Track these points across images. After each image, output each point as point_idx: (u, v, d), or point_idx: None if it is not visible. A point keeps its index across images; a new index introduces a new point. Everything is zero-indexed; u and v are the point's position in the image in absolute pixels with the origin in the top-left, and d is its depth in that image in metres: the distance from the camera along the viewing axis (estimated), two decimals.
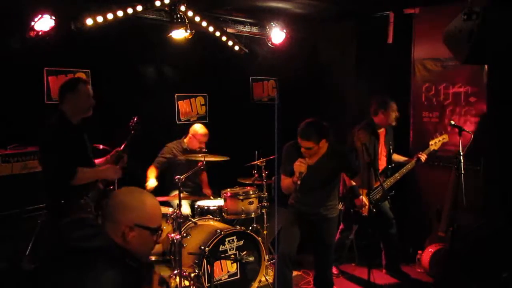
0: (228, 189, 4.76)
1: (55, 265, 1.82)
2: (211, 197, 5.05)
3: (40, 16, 3.95)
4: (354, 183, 4.40)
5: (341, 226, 4.69)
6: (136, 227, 1.87)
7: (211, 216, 4.59)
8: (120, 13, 4.34)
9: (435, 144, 4.65)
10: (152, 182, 4.78)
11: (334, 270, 4.60)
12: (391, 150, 4.71)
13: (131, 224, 1.86)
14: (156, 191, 4.70)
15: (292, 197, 3.94)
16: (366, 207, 4.39)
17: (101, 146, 4.04)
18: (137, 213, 1.89)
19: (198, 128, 5.05)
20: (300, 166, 3.54)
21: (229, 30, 5.48)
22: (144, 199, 1.95)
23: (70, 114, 3.24)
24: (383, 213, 4.66)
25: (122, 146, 3.58)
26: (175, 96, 5.71)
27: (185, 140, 5.12)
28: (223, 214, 4.59)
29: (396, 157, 4.79)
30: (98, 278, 1.72)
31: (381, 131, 4.67)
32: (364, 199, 4.41)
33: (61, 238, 1.88)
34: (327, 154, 3.71)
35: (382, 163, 4.68)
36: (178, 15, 4.76)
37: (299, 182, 3.52)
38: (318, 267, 4.01)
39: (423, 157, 4.59)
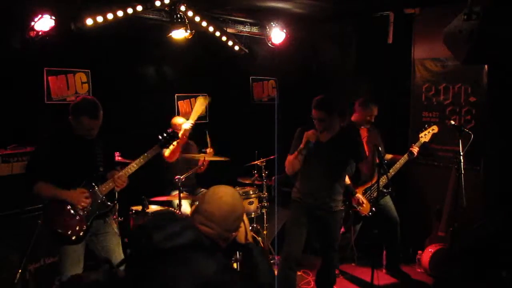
0: None
1: (148, 269, 1.78)
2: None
3: (40, 16, 3.95)
4: (349, 182, 4.40)
5: (342, 229, 4.69)
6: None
7: None
8: (120, 13, 4.34)
9: (425, 136, 4.67)
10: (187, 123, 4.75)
11: None
12: (380, 149, 4.68)
13: (238, 229, 2.02)
14: (156, 191, 4.70)
15: (296, 189, 3.89)
16: (364, 205, 4.39)
17: (117, 157, 3.95)
18: (242, 217, 2.07)
19: (176, 119, 5.00)
20: (312, 135, 3.57)
21: (229, 30, 5.48)
22: (241, 199, 2.09)
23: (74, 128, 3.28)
24: (387, 213, 4.65)
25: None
26: (175, 96, 5.71)
27: None
28: None
29: (387, 156, 4.80)
30: (196, 272, 1.72)
31: (363, 129, 4.66)
32: (360, 196, 4.41)
33: (142, 241, 1.81)
34: (338, 136, 3.71)
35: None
36: (178, 15, 4.76)
37: (303, 152, 3.55)
38: (322, 268, 3.97)
39: (415, 149, 4.59)
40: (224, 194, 2.00)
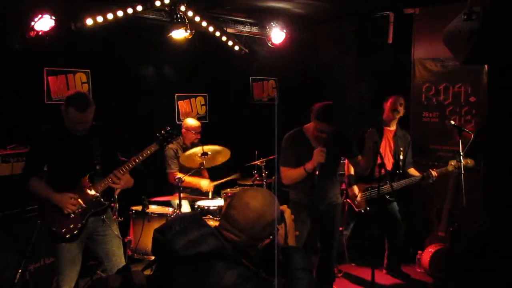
0: (228, 189, 4.76)
1: (169, 276, 1.73)
2: (211, 194, 5.03)
3: (40, 16, 3.95)
4: (352, 172, 4.41)
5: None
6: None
7: (211, 216, 4.58)
8: (120, 13, 4.34)
9: (451, 166, 4.45)
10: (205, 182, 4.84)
11: None
12: (401, 157, 4.59)
13: (270, 236, 1.81)
14: (156, 191, 4.69)
15: (294, 191, 3.89)
16: (358, 200, 4.40)
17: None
18: (274, 224, 1.82)
19: (191, 121, 5.00)
20: (322, 156, 3.52)
21: (229, 30, 5.47)
22: (275, 204, 1.85)
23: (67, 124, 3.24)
24: (391, 215, 4.64)
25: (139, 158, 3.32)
26: (175, 96, 5.71)
27: (181, 137, 5.11)
28: None
29: (412, 171, 4.69)
30: (219, 282, 1.63)
31: (390, 129, 4.64)
32: (356, 189, 4.42)
33: (163, 245, 1.74)
34: (331, 137, 3.69)
35: (387, 164, 4.50)
36: (178, 15, 4.76)
37: (317, 173, 3.53)
38: (323, 257, 4.01)
39: (434, 174, 4.45)
40: (251, 199, 1.80)
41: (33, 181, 3.16)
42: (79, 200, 3.20)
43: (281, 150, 3.80)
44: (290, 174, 3.74)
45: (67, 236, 3.16)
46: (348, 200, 4.54)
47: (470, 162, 4.40)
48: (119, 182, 3.26)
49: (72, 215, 3.19)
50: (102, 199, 3.30)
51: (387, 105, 4.68)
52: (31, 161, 3.26)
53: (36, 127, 3.37)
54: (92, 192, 3.25)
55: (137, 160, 3.30)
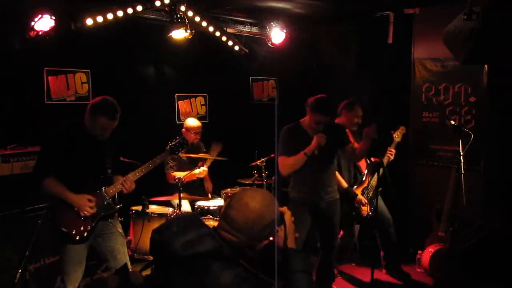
0: (229, 189, 4.77)
1: (167, 276, 1.73)
2: (210, 194, 5.03)
3: (40, 16, 3.94)
4: (346, 185, 4.41)
5: (341, 233, 4.66)
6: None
7: (211, 216, 4.60)
8: (120, 13, 4.34)
9: (397, 136, 4.67)
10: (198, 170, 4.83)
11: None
12: None
13: (269, 237, 1.81)
14: (156, 191, 4.70)
15: (294, 189, 3.92)
16: (365, 205, 4.41)
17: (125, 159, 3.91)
18: (273, 225, 1.80)
19: (191, 122, 5.02)
20: (322, 138, 3.64)
21: (229, 30, 5.48)
22: (274, 205, 1.84)
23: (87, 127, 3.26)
24: (380, 213, 4.64)
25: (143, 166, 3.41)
26: (175, 96, 5.71)
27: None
28: None
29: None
30: (216, 282, 1.64)
31: (348, 132, 4.64)
32: (362, 198, 4.44)
33: (161, 246, 1.74)
34: (325, 129, 3.77)
35: (362, 163, 4.64)
36: (178, 15, 4.76)
37: (317, 152, 3.63)
38: (323, 257, 4.02)
39: (392, 152, 4.56)
40: (250, 200, 1.79)
41: (49, 180, 3.14)
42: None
43: (279, 141, 3.87)
44: (289, 161, 3.77)
45: (76, 238, 3.17)
46: (356, 211, 4.51)
47: (403, 130, 4.68)
48: (130, 186, 3.32)
49: (83, 217, 3.19)
50: (112, 204, 3.33)
51: (353, 112, 4.56)
52: (47, 160, 3.21)
53: (53, 125, 3.34)
54: (105, 196, 3.28)
55: (150, 166, 3.39)
